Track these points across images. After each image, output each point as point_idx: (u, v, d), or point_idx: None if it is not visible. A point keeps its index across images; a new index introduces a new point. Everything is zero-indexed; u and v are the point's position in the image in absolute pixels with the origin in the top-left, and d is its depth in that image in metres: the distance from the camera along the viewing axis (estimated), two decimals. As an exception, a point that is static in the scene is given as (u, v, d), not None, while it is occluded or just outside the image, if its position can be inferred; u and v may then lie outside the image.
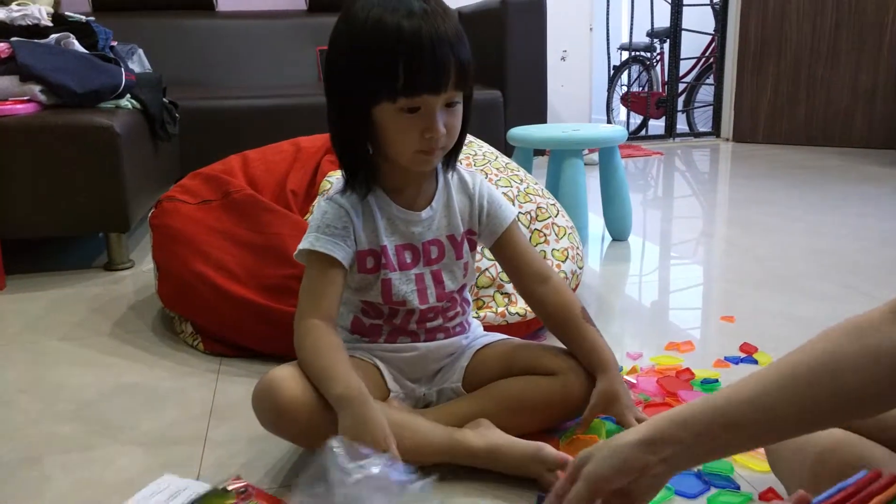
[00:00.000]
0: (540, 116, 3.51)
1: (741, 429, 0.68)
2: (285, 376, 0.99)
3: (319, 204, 1.09)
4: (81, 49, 2.28)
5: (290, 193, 1.72)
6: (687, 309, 1.81)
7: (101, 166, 2.05)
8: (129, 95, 2.33)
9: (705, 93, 5.07)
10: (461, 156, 1.64)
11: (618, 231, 2.33)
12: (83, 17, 2.45)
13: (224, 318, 1.49)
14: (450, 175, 1.13)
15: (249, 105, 3.12)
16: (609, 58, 5.19)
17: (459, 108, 1.02)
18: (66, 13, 2.46)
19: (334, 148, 1.07)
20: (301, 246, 1.06)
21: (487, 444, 1.00)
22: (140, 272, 2.14)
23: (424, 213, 1.10)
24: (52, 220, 2.08)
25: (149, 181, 2.38)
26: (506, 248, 1.17)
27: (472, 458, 1.01)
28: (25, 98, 2.12)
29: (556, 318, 1.16)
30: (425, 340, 1.14)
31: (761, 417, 0.68)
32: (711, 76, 4.95)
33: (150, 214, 1.74)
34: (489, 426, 1.03)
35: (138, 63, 2.96)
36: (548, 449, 0.98)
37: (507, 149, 2.30)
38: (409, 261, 1.10)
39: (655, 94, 5.25)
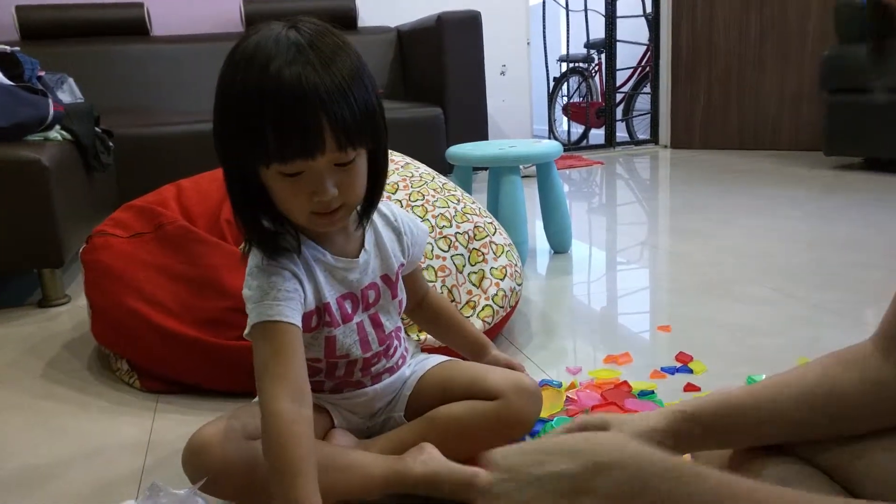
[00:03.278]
0: (481, 132, 3.54)
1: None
2: (215, 438, 0.94)
3: (255, 273, 0.96)
4: (5, 81, 2.22)
5: (224, 223, 1.70)
6: (626, 320, 1.84)
7: (30, 201, 1.99)
8: (58, 127, 2.28)
9: (643, 101, 5.19)
10: (397, 178, 1.67)
11: (558, 244, 2.36)
12: (8, 48, 2.38)
13: (160, 354, 1.46)
14: (374, 214, 1.07)
15: (187, 130, 3.07)
16: (548, 70, 5.27)
17: (356, 165, 0.92)
18: (-11, 45, 2.40)
19: (237, 215, 0.96)
20: (252, 321, 0.93)
21: (428, 471, 1.00)
22: (76, 307, 2.09)
23: (361, 258, 1.05)
24: (-20, 259, 2.02)
25: (83, 213, 2.32)
26: (412, 273, 1.18)
27: (414, 486, 1.00)
28: (-53, 134, 2.05)
29: (445, 318, 1.25)
30: (372, 384, 1.12)
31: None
32: (648, 85, 5.07)
33: (80, 250, 1.70)
34: (431, 451, 1.03)
35: (69, 92, 2.89)
36: (482, 476, 0.97)
37: (447, 166, 2.32)
38: (349, 311, 1.05)
39: (595, 104, 5.35)
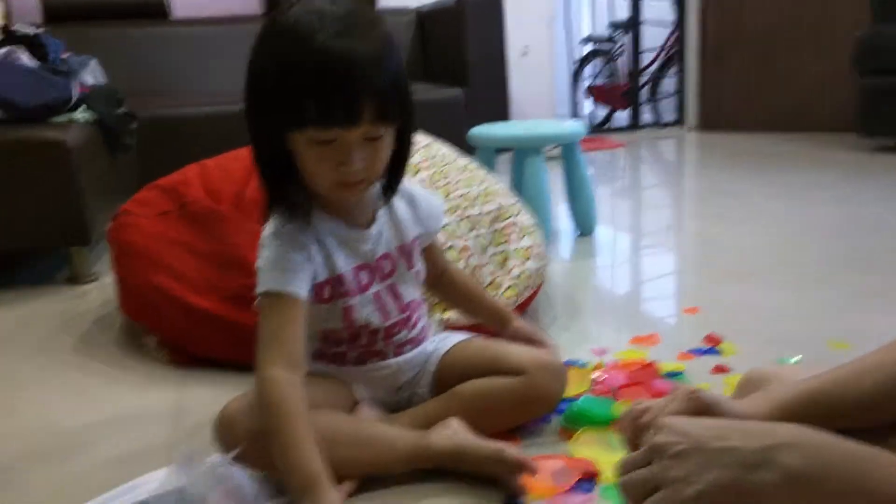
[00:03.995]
0: (503, 114, 3.52)
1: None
2: (242, 412, 0.97)
3: (266, 243, 1.01)
4: (30, 63, 2.23)
5: (249, 202, 1.70)
6: (652, 302, 1.82)
7: (56, 181, 2.01)
8: (82, 108, 2.29)
9: (669, 84, 5.12)
10: (419, 158, 1.66)
11: (584, 225, 2.34)
12: (33, 30, 2.40)
13: (186, 329, 1.47)
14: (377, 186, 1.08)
15: (208, 112, 3.07)
16: (571, 51, 5.21)
17: (384, 141, 0.96)
18: (16, 26, 2.41)
19: (259, 174, 1.00)
20: (260, 289, 0.98)
21: (453, 445, 1.00)
22: (104, 284, 2.10)
23: (374, 229, 1.07)
24: (11, 236, 2.04)
25: (108, 193, 2.34)
26: (430, 246, 1.18)
27: (438, 460, 1.01)
28: (-24, 114, 2.07)
29: (465, 290, 1.25)
30: (395, 356, 1.12)
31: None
32: (674, 67, 5.00)
33: (107, 229, 1.71)
34: (457, 426, 1.03)
35: (92, 74, 2.89)
36: (508, 451, 0.98)
37: (469, 148, 2.30)
38: (365, 281, 1.07)
39: (619, 85, 5.28)
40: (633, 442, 0.74)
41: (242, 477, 0.84)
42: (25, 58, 2.25)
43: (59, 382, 1.47)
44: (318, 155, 0.93)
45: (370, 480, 1.01)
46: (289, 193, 0.99)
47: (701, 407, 0.76)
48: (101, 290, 2.06)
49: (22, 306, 1.95)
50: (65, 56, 2.47)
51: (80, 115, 2.26)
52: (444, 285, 1.25)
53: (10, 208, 2.01)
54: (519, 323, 1.24)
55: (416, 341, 1.15)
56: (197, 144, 2.80)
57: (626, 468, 0.70)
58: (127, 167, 2.67)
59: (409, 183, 1.15)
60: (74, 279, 2.15)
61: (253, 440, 0.93)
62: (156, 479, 1.02)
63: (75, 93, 2.24)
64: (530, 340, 1.19)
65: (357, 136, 0.92)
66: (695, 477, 0.63)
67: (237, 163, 1.82)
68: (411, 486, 1.01)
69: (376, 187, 1.09)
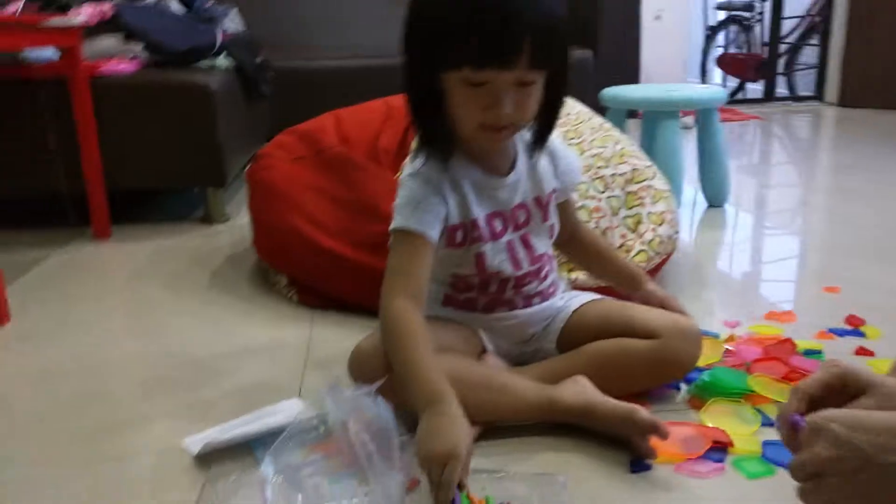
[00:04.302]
0: (632, 77, 3.41)
1: None
2: (373, 349, 1.00)
3: (404, 182, 1.03)
4: (178, 9, 2.34)
5: (382, 151, 1.73)
6: (788, 278, 1.73)
7: (198, 123, 2.11)
8: (224, 54, 2.38)
9: (808, 55, 4.81)
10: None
11: (714, 197, 2.24)
12: (181, -23, 2.50)
13: (317, 271, 1.52)
14: (526, 135, 1.08)
15: (340, 66, 3.14)
16: (706, 17, 4.98)
17: (536, 87, 0.95)
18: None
19: (410, 111, 1.01)
20: (394, 225, 1.01)
21: (582, 401, 0.99)
22: (235, 226, 2.21)
23: (511, 178, 1.07)
24: (155, 175, 2.17)
25: (243, 138, 2.44)
26: (565, 202, 1.17)
27: (567, 415, 1.00)
28: (129, 56, 2.19)
29: (597, 250, 1.24)
30: (523, 307, 1.12)
31: None
32: (816, 36, 4.68)
33: (246, 169, 1.78)
34: (585, 384, 1.02)
35: (233, 22, 3.01)
36: (640, 412, 0.96)
37: (599, 110, 2.24)
38: (499, 229, 1.07)
39: (754, 55, 5.01)
40: (790, 439, 0.71)
41: (380, 408, 0.86)
42: (174, 4, 2.35)
43: (193, 313, 1.55)
44: (468, 96, 0.93)
45: (495, 430, 1.02)
46: (434, 133, 1.00)
47: (843, 380, 0.73)
48: (232, 231, 2.16)
49: (158, 241, 2.07)
50: (208, 4, 2.58)
51: (222, 61, 2.35)
52: (576, 244, 1.24)
53: (153, 148, 2.12)
54: (652, 286, 1.21)
55: (545, 294, 1.14)
56: (328, 96, 2.87)
57: (794, 474, 0.68)
58: (261, 115, 2.77)
59: (559, 140, 1.14)
60: (208, 219, 2.26)
61: (388, 377, 0.95)
62: (289, 408, 1.08)
63: (219, 39, 2.33)
64: (663, 304, 1.16)
65: (510, 80, 0.92)
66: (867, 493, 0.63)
67: (371, 114, 1.85)
68: (537, 438, 1.01)
69: (519, 137, 1.08)
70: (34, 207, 2.34)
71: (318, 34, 3.68)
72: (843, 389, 0.73)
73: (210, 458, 0.98)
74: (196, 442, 0.99)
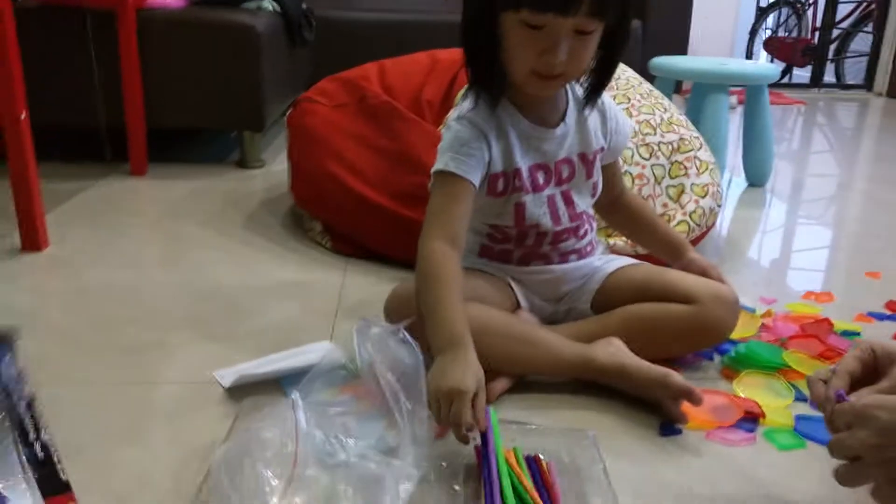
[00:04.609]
0: (680, 50, 3.34)
1: None
2: (409, 295, 0.99)
3: (450, 125, 1.03)
4: (230, -52, 2.31)
5: (425, 103, 1.71)
6: (828, 261, 1.70)
7: (241, 64, 2.10)
8: (271, -2, 2.36)
9: (859, 42, 4.67)
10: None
11: (756, 176, 2.20)
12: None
13: (353, 219, 1.52)
14: (578, 90, 1.07)
15: (382, 18, 3.10)
16: (758, -3, 4.85)
17: (593, 38, 0.93)
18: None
19: (464, 52, 1.00)
20: (436, 167, 1.00)
21: (616, 362, 0.99)
22: (270, 172, 2.21)
23: (558, 130, 1.05)
24: (194, 114, 2.17)
25: (283, 84, 2.42)
26: (611, 164, 1.16)
27: (600, 374, 0.99)
28: (177, -8, 2.18)
29: (641, 216, 1.22)
30: (559, 263, 1.11)
31: None
32: (870, 24, 4.54)
33: (287, 114, 1.78)
34: (620, 345, 1.01)
35: (280, -32, 2.98)
36: (675, 376, 0.95)
37: (647, 78, 2.20)
38: (541, 182, 1.06)
39: (803, 40, 4.88)
40: (828, 416, 0.70)
41: (407, 348, 0.86)
42: (224, -56, 2.33)
43: (227, 251, 1.56)
44: (524, 39, 0.92)
45: (526, 384, 1.02)
46: (486, 77, 0.99)
47: (873, 354, 0.74)
48: (267, 177, 2.16)
49: (194, 181, 2.08)
50: (257, -54, 2.54)
51: (268, 4, 2.33)
52: (620, 209, 1.22)
53: (195, 87, 2.12)
54: (694, 254, 1.19)
55: (582, 252, 1.13)
56: (368, 48, 2.84)
57: (834, 454, 0.69)
58: (301, 62, 2.76)
59: (611, 100, 1.12)
60: (244, 163, 2.26)
61: (419, 317, 0.95)
62: (319, 349, 1.08)
63: (266, -18, 2.31)
64: (704, 273, 1.14)
65: (568, 27, 0.90)
66: None
67: (415, 65, 1.83)
68: (567, 395, 1.01)
69: (570, 89, 1.06)
70: (70, 140, 2.36)
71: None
72: (876, 364, 0.73)
73: (240, 391, 0.98)
74: (228, 374, 1.00)
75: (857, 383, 0.73)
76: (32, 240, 1.49)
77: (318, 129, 1.62)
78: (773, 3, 5.22)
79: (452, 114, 1.05)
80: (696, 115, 2.04)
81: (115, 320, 1.21)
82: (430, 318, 0.91)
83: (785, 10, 5.20)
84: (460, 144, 0.99)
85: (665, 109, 1.59)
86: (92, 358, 1.09)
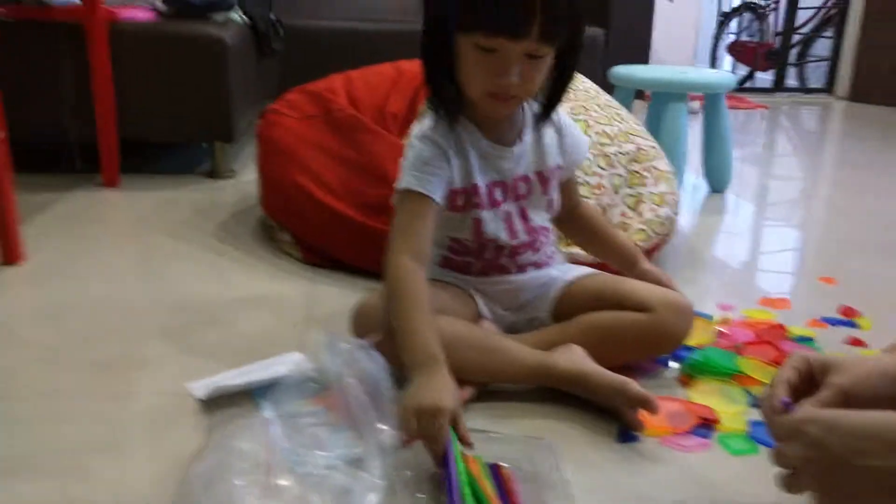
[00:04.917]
0: (642, 58, 3.41)
1: None
2: (375, 307, 1.04)
3: (412, 143, 1.06)
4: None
5: (390, 115, 1.74)
6: (784, 267, 1.76)
7: (210, 76, 2.11)
8: (238, 9, 2.37)
9: (820, 47, 4.79)
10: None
11: (717, 182, 2.26)
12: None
13: (321, 230, 1.54)
14: (536, 108, 1.10)
15: (350, 27, 3.12)
16: (720, 3, 4.95)
17: (544, 61, 0.97)
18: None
19: (423, 69, 1.03)
20: (399, 186, 1.04)
21: (576, 369, 1.02)
22: (240, 182, 2.22)
23: (516, 149, 1.09)
24: (164, 126, 2.17)
25: (252, 95, 2.44)
26: (568, 179, 1.19)
27: (560, 381, 1.03)
28: (145, 5, 2.19)
29: (595, 228, 1.26)
30: (517, 273, 1.15)
31: None
32: (831, 29, 4.66)
33: (256, 125, 1.80)
34: (579, 352, 1.05)
35: (248, -23, 2.99)
36: (632, 385, 0.98)
37: (606, 89, 2.25)
38: (499, 198, 1.10)
39: (766, 44, 4.99)
40: (772, 424, 0.75)
41: (374, 363, 0.89)
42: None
43: (197, 262, 1.58)
44: (478, 61, 0.96)
45: (488, 393, 1.05)
46: (444, 96, 1.03)
47: (808, 364, 0.77)
48: (237, 187, 2.17)
49: (165, 192, 2.09)
50: (225, -43, 2.55)
51: (236, 15, 2.34)
52: (575, 220, 1.26)
53: (165, 100, 2.13)
54: (647, 265, 1.23)
55: (539, 264, 1.17)
56: (337, 57, 2.86)
57: (774, 463, 0.73)
58: (270, 72, 2.77)
59: (560, 111, 1.15)
60: (214, 173, 2.27)
61: (386, 333, 0.97)
62: (290, 360, 1.10)
63: (233, -7, 2.32)
64: (658, 283, 1.18)
65: (519, 50, 0.94)
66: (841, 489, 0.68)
67: (379, 77, 1.86)
68: (528, 404, 1.04)
69: (527, 109, 1.10)
70: (39, 150, 2.35)
71: (331, -6, 3.66)
72: (812, 374, 0.77)
73: (213, 402, 1.01)
74: (200, 387, 1.02)
75: (798, 393, 0.77)
76: (9, 254, 1.50)
77: (285, 140, 1.65)
78: (735, 7, 5.34)
79: (414, 130, 1.08)
80: (656, 122, 2.09)
81: (89, 333, 1.23)
82: (401, 335, 0.94)
83: (747, 16, 5.32)
84: (423, 163, 1.03)
85: (622, 120, 1.63)
86: (67, 371, 1.10)
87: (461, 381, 1.00)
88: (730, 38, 5.40)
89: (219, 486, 0.73)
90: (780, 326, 1.28)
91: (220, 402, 1.00)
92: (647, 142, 1.63)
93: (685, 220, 2.00)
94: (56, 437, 0.94)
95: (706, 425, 1.00)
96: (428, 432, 0.83)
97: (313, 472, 0.80)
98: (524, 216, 1.13)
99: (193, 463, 0.80)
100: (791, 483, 0.71)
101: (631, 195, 1.55)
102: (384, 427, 0.84)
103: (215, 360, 1.13)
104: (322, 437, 0.86)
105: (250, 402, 1.01)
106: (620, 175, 1.55)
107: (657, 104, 2.13)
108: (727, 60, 5.45)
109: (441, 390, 0.86)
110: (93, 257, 1.58)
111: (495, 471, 0.84)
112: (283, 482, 0.77)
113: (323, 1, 3.60)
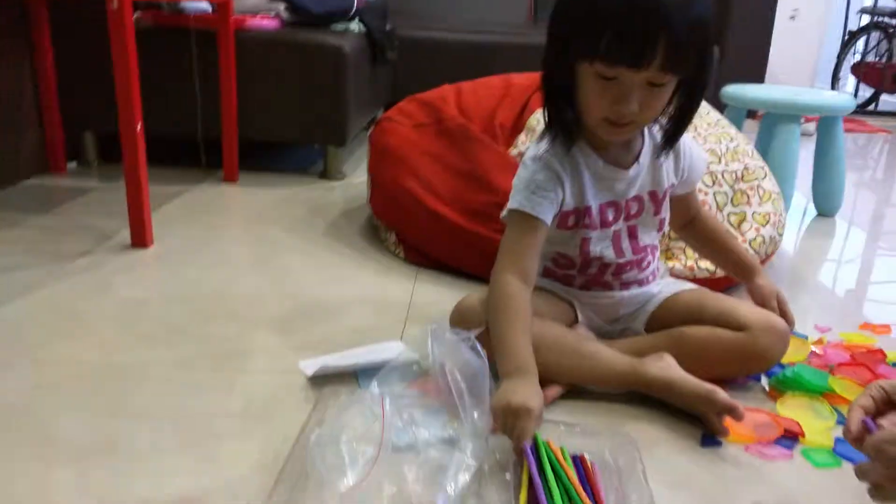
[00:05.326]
0: (757, 76, 3.34)
1: None
2: (475, 305, 1.10)
3: (526, 163, 1.08)
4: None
5: (497, 126, 1.81)
6: (889, 297, 1.71)
7: (328, 82, 2.24)
8: (357, 19, 2.51)
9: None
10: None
11: (825, 207, 2.21)
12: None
13: (425, 232, 1.63)
14: (656, 131, 1.12)
15: (462, 39, 3.22)
16: (846, 21, 4.76)
17: (665, 89, 0.97)
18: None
19: (542, 93, 1.06)
20: (511, 205, 1.07)
21: (665, 376, 1.05)
22: (350, 184, 2.34)
23: (632, 171, 1.10)
24: (283, 128, 2.32)
25: (365, 102, 2.57)
26: (687, 194, 1.21)
27: (649, 387, 1.06)
28: (272, 14, 2.35)
29: (715, 236, 1.27)
30: (619, 290, 1.18)
31: None
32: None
33: (370, 131, 1.90)
34: (670, 360, 1.07)
35: (368, -10, 3.14)
36: (720, 393, 1.01)
37: (717, 106, 2.24)
38: (610, 218, 1.12)
39: (894, 65, 4.76)
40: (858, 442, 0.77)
41: (475, 354, 0.96)
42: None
43: (309, 256, 1.69)
44: (597, 88, 0.97)
45: (577, 391, 1.09)
46: (562, 119, 1.05)
47: (888, 397, 0.79)
48: (346, 188, 2.29)
49: (280, 190, 2.23)
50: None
51: (354, 25, 2.48)
52: (694, 229, 1.28)
53: (284, 103, 2.27)
54: (763, 279, 1.23)
55: (643, 282, 1.20)
56: (449, 68, 2.98)
57: (861, 477, 0.76)
58: (384, 80, 2.90)
59: (688, 138, 1.16)
60: (326, 175, 2.40)
61: (485, 332, 1.04)
62: (393, 347, 1.19)
63: (354, 5, 2.46)
64: (769, 299, 1.19)
65: (640, 80, 0.95)
66: None
67: (490, 90, 1.94)
68: (615, 404, 1.08)
69: (648, 131, 1.12)
70: (169, 146, 2.55)
71: (445, 5, 3.78)
72: (890, 398, 0.79)
73: (319, 381, 1.10)
74: (310, 365, 1.12)
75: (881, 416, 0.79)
76: (140, 237, 1.66)
77: (396, 147, 1.74)
78: (863, 27, 5.11)
79: (529, 151, 1.11)
80: (766, 142, 2.07)
81: (210, 315, 1.35)
82: (498, 346, 1.00)
83: (875, 35, 5.09)
84: (536, 186, 1.06)
85: (731, 139, 1.64)
86: (190, 349, 1.22)
87: (550, 381, 1.06)
88: (855, 58, 5.18)
89: (331, 452, 0.81)
90: (879, 351, 1.26)
91: (326, 381, 1.10)
92: (755, 162, 1.63)
93: (790, 241, 1.97)
94: (181, 399, 1.06)
95: (791, 437, 1.01)
96: (513, 429, 0.89)
97: (413, 447, 0.88)
98: (633, 235, 1.15)
99: (308, 430, 0.89)
100: (877, 495, 0.74)
101: (734, 213, 1.55)
102: (479, 413, 0.91)
103: (321, 347, 1.22)
104: (418, 417, 0.94)
105: (354, 383, 1.10)
106: (725, 193, 1.56)
107: (769, 124, 2.10)
108: (851, 81, 5.23)
109: (530, 393, 0.92)
110: (214, 246, 1.73)
111: (578, 461, 0.89)
112: (385, 454, 0.84)
113: (436, 14, 3.74)
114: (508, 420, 0.90)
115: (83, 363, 1.15)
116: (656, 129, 1.12)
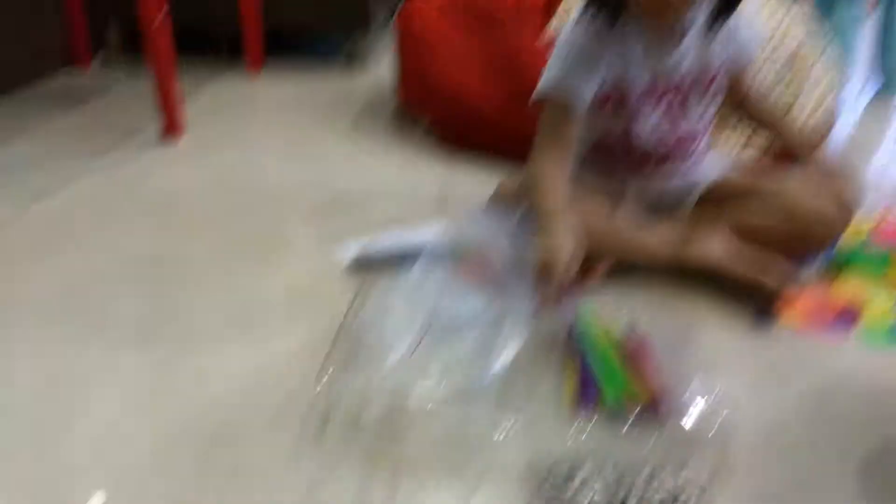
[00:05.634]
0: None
1: None
2: (513, 189, 1.08)
3: (568, 33, 1.00)
4: None
5: (529, 8, 1.69)
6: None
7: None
8: None
9: None
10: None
11: (889, 81, 2.05)
12: None
13: (458, 117, 1.57)
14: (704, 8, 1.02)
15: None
16: None
17: None
18: None
19: None
20: (544, 84, 1.00)
21: (718, 254, 1.02)
22: (374, 74, 2.24)
23: (678, 50, 1.02)
24: (304, 15, 2.22)
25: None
26: (739, 73, 1.12)
27: (699, 265, 1.03)
28: None
29: (767, 116, 1.18)
30: (662, 179, 1.13)
31: None
32: None
33: (395, 16, 1.81)
34: (723, 238, 1.04)
35: None
36: (773, 274, 0.98)
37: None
38: (654, 101, 1.05)
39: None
40: None
41: (514, 236, 0.93)
42: None
43: (337, 145, 1.66)
44: None
45: (628, 268, 1.05)
46: None
47: None
48: (371, 78, 2.20)
49: (304, 79, 2.16)
50: None
51: None
52: (747, 111, 1.20)
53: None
54: (820, 158, 1.15)
55: (686, 170, 1.13)
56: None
57: None
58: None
59: (741, 17, 1.06)
60: (349, 64, 2.31)
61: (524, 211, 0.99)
62: (431, 230, 1.15)
63: None
64: (829, 174, 1.11)
65: None
66: None
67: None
68: (665, 277, 1.04)
69: (699, 8, 1.03)
70: (188, 37, 2.47)
71: None
72: None
73: (361, 267, 1.09)
74: (349, 249, 1.10)
75: None
76: (172, 128, 1.63)
77: (424, 31, 1.66)
78: None
79: (566, 25, 1.02)
80: (826, 10, 1.90)
81: (243, 205, 1.34)
82: (536, 200, 0.96)
83: None
84: (574, 55, 0.98)
85: (787, 11, 1.52)
86: (227, 240, 1.21)
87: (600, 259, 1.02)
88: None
89: (377, 332, 0.82)
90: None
91: (367, 267, 1.08)
92: (811, 41, 1.52)
93: (847, 120, 1.86)
94: (226, 291, 1.06)
95: (847, 319, 0.98)
96: (545, 287, 0.87)
97: (457, 327, 0.86)
98: (678, 120, 1.07)
99: (353, 313, 0.90)
100: None
101: (787, 93, 1.46)
102: (522, 292, 0.88)
103: (357, 233, 1.18)
104: (463, 297, 0.91)
105: (394, 268, 1.07)
106: (777, 71, 1.46)
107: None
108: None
109: (558, 241, 0.89)
110: (241, 138, 1.70)
111: (629, 336, 0.87)
112: (431, 334, 0.83)
113: None
114: (540, 280, 0.87)
115: (128, 253, 1.16)
116: (705, 6, 1.02)
